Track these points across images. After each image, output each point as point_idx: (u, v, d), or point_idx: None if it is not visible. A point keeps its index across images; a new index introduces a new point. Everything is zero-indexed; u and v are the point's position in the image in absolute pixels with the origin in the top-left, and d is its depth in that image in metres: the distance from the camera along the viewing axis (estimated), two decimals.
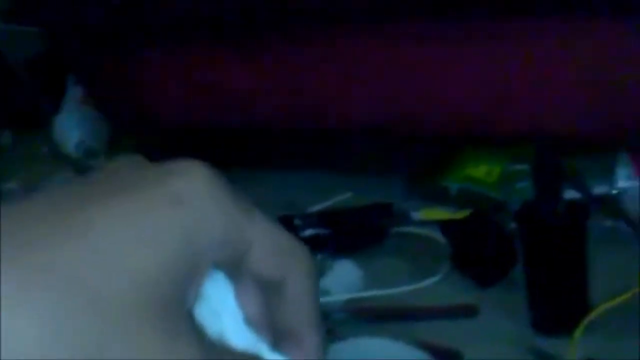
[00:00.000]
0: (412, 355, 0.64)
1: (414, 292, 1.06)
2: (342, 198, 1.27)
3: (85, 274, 0.33)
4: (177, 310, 0.35)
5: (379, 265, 1.12)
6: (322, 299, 0.45)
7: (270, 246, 0.39)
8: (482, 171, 1.18)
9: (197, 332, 0.36)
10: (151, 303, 0.34)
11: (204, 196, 0.36)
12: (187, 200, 0.36)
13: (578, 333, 0.87)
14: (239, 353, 0.39)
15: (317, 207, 1.24)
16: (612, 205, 1.05)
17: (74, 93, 1.50)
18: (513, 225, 1.07)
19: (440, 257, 1.11)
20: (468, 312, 1.02)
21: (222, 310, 0.39)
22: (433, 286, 1.08)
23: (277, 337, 0.41)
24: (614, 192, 1.10)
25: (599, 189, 1.11)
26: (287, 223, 1.13)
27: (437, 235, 1.15)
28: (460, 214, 1.14)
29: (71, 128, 1.46)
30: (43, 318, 0.32)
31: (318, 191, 1.27)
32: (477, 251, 1.08)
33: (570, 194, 1.04)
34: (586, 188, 1.04)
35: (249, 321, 0.40)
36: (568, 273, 0.96)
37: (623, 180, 1.12)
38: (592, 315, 0.89)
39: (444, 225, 1.13)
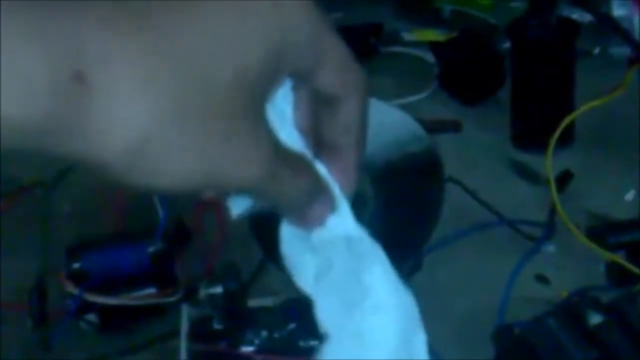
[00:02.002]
0: (397, 117, 0.64)
1: (400, 107, 1.06)
2: (332, 17, 1.25)
3: (203, 59, 0.36)
4: (262, 104, 0.39)
5: None
6: None
7: (338, 61, 0.41)
8: None
9: (270, 127, 0.40)
10: (248, 94, 0.37)
11: (298, 2, 0.39)
12: (285, 4, 0.38)
13: (552, 143, 0.87)
14: (296, 153, 0.42)
15: None
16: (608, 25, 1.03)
17: None
18: (505, 46, 1.06)
19: (428, 76, 1.11)
20: (452, 127, 1.03)
21: (282, 115, 0.42)
22: (419, 103, 1.07)
23: (320, 149, 0.44)
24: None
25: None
26: None
27: (427, 56, 1.14)
28: (452, 36, 1.13)
29: None
30: (166, 99, 0.36)
31: None
32: (464, 69, 1.07)
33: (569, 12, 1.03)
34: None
35: (299, 128, 0.43)
36: (554, 88, 0.96)
37: (618, 8, 1.10)
38: (566, 122, 0.89)
39: (434, 45, 1.12)
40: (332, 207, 0.43)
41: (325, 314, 0.43)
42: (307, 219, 0.43)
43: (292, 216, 0.43)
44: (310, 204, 0.42)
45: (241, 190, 0.40)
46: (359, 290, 0.43)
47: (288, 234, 0.44)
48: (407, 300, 0.44)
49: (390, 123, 0.62)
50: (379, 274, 0.43)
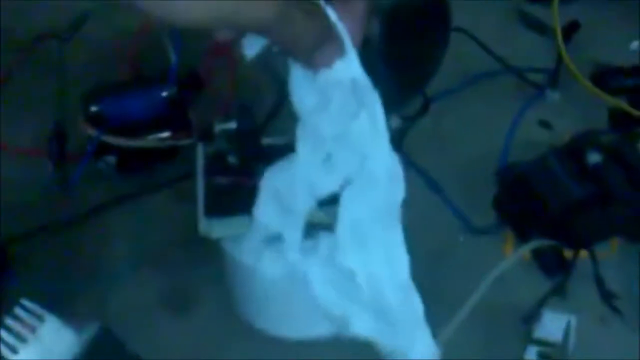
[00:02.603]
0: None
1: None
2: None
3: None
4: None
5: None
6: None
7: None
8: None
9: None
10: None
11: None
12: None
13: None
14: None
15: None
16: None
17: None
18: None
19: None
20: None
21: None
22: None
23: None
24: None
25: None
26: None
27: None
28: None
29: None
30: None
31: None
32: None
33: None
34: None
35: None
36: None
37: None
38: None
39: None
40: (340, 52, 0.46)
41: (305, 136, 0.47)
42: (315, 61, 0.45)
43: (302, 58, 0.46)
44: (319, 47, 0.45)
45: (256, 30, 0.42)
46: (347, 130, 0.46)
47: (297, 75, 0.47)
48: (387, 153, 0.48)
49: None
50: (366, 121, 0.47)
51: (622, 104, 0.81)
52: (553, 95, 0.87)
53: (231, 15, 0.40)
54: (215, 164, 0.67)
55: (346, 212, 0.48)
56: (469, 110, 0.87)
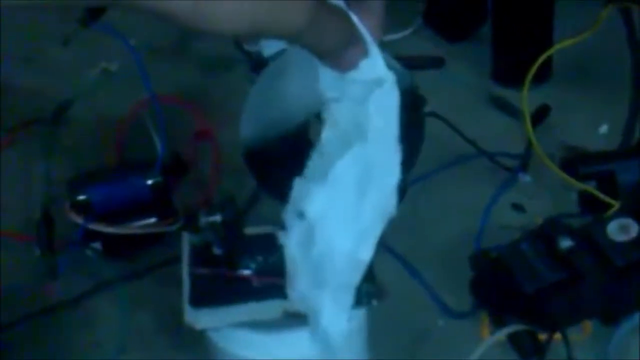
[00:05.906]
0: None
1: (385, 43, 1.10)
2: None
3: None
4: None
5: None
6: None
7: None
8: None
9: None
10: None
11: None
12: None
13: (529, 78, 0.92)
14: (335, 2, 0.47)
15: None
16: None
17: None
18: None
19: (413, 12, 1.14)
20: (435, 63, 1.07)
21: None
22: (404, 39, 1.11)
23: (349, 1, 0.48)
24: None
25: None
26: None
27: None
28: None
29: None
30: None
31: None
32: (448, 6, 1.11)
33: None
34: None
35: None
36: (533, 25, 1.00)
37: None
38: (543, 58, 0.94)
39: None
40: (364, 52, 0.48)
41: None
42: (343, 63, 0.48)
43: (329, 60, 0.48)
44: (345, 49, 0.47)
45: (286, 36, 0.45)
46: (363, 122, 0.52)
47: (325, 75, 0.50)
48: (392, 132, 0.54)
49: None
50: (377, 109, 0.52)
51: (592, 188, 0.84)
52: (525, 179, 0.90)
53: (264, 24, 0.43)
54: (201, 255, 0.69)
55: None
56: (444, 194, 0.90)
